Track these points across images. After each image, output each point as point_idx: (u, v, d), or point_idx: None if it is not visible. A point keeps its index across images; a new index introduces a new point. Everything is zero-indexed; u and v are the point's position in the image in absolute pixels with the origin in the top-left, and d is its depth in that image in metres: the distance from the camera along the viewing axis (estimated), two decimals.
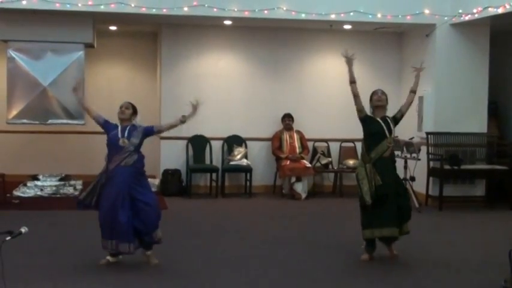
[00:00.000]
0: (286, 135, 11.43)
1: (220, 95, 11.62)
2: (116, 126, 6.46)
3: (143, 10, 10.00)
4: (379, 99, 6.75)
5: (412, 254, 6.97)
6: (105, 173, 6.34)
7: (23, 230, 4.03)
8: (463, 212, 10.10)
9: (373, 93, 6.85)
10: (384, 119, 6.71)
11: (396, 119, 6.81)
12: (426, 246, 7.48)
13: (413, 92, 6.95)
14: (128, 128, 6.40)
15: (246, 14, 10.24)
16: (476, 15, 9.81)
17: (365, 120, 6.72)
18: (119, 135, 6.33)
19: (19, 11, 9.99)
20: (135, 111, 6.57)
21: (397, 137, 7.40)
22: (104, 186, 6.31)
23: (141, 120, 6.68)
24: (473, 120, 10.71)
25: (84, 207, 6.46)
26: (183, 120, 6.59)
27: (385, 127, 6.61)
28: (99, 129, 6.64)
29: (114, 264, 6.33)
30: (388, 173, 6.60)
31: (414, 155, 9.99)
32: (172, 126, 6.81)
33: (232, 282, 5.98)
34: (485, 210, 10.33)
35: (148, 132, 6.51)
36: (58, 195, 10.75)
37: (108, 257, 6.36)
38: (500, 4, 9.18)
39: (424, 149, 10.35)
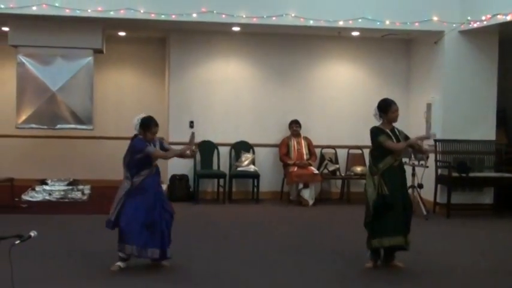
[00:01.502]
0: (293, 142, 11.43)
1: (228, 101, 11.65)
2: (149, 144, 6.37)
3: (152, 16, 10.04)
4: (397, 117, 6.63)
5: (419, 263, 6.93)
6: (130, 188, 6.31)
7: (32, 234, 4.04)
8: (471, 219, 10.06)
9: (391, 107, 6.60)
10: (393, 130, 6.63)
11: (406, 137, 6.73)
12: (433, 255, 7.44)
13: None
14: (156, 144, 6.42)
15: (255, 21, 10.27)
16: (485, 23, 9.81)
17: (376, 133, 6.58)
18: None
19: (29, 17, 10.04)
20: None
21: None
22: (129, 197, 6.28)
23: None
24: (482, 127, 10.68)
25: (113, 226, 6.41)
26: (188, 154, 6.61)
27: (394, 140, 6.53)
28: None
29: (122, 269, 6.33)
30: (397, 182, 6.53)
31: (422, 162, 9.97)
32: (176, 155, 6.68)
33: (240, 287, 6.00)
34: (494, 218, 10.29)
35: (161, 147, 6.53)
36: (66, 200, 10.78)
37: (119, 263, 6.33)
38: (509, 12, 9.17)
39: (432, 156, 10.32)
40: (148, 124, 6.32)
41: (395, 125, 6.73)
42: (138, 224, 6.19)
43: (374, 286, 6.20)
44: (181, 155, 6.55)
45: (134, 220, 6.19)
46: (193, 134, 6.56)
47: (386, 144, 6.46)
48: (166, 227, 6.35)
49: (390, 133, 6.57)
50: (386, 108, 6.62)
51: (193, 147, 6.59)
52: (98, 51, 11.14)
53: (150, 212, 6.24)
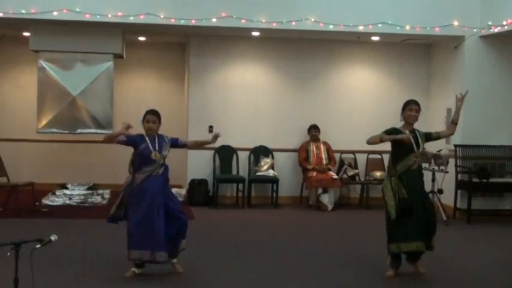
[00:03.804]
0: (312, 147, 11.41)
1: (248, 105, 11.66)
2: (142, 137, 6.36)
3: (172, 21, 10.08)
4: (413, 118, 6.52)
5: (439, 270, 6.87)
6: (131, 184, 6.28)
7: (53, 238, 4.05)
8: (491, 225, 9.99)
9: (408, 106, 6.55)
10: (413, 131, 6.55)
11: (429, 137, 6.65)
12: (453, 261, 7.38)
13: (454, 123, 6.72)
14: (156, 140, 6.33)
15: (274, 26, 10.28)
16: (506, 27, 9.75)
17: (392, 134, 6.53)
18: (151, 148, 6.26)
19: (50, 22, 10.14)
20: (160, 120, 6.46)
21: (424, 149, 7.23)
22: (132, 197, 6.25)
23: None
24: (502, 132, 10.62)
25: (115, 220, 6.45)
26: (209, 142, 6.66)
27: (413, 141, 6.46)
28: None
29: (139, 275, 6.31)
30: (415, 186, 6.46)
31: (442, 167, 9.91)
32: (197, 144, 6.92)
33: None
34: None
35: (174, 145, 6.48)
36: (86, 204, 10.84)
37: (134, 269, 6.31)
38: None
39: (452, 161, 10.27)
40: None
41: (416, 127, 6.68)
42: (140, 229, 6.13)
43: None
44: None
45: (136, 225, 6.16)
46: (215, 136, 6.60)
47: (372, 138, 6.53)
48: (165, 229, 6.18)
49: (408, 134, 6.50)
50: (404, 105, 6.59)
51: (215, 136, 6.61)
52: (118, 56, 11.22)
53: (148, 214, 6.14)
